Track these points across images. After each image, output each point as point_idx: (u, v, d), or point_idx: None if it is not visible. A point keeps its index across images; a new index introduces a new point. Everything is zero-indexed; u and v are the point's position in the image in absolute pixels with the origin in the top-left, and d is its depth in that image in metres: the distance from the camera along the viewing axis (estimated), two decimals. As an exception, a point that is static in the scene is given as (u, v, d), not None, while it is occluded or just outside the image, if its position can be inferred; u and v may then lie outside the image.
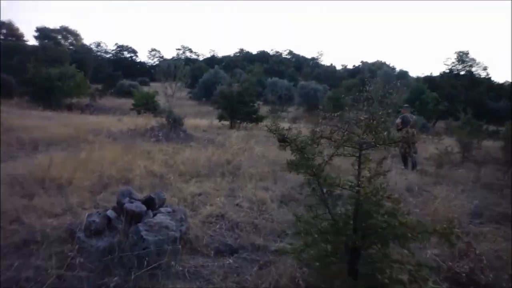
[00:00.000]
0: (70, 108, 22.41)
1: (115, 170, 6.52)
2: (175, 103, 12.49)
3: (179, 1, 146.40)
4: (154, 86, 47.32)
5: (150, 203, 3.71)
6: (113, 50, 71.07)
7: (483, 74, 43.94)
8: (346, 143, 2.71)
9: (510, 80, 46.04)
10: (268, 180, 6.59)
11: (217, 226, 4.30)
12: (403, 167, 9.26)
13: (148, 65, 79.11)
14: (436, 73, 34.54)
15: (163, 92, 12.57)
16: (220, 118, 15.50)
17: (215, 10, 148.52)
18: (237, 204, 5.15)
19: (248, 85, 15.46)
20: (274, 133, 2.82)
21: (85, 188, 5.46)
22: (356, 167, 2.79)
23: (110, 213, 3.51)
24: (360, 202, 2.68)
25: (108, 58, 65.38)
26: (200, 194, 5.42)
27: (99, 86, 38.55)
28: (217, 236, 4.02)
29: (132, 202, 3.56)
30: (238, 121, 15.18)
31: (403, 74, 17.79)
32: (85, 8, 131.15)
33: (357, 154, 2.76)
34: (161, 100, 28.86)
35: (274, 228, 4.31)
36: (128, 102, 31.28)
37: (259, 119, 15.53)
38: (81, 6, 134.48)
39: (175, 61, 13.80)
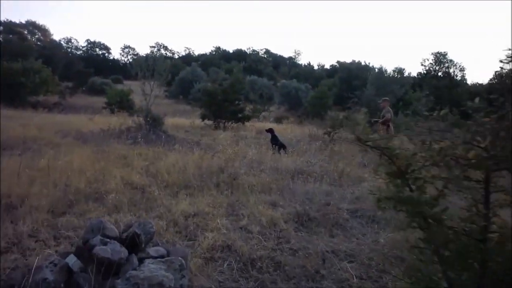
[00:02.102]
0: (35, 106, 20.51)
1: (84, 182, 5.26)
2: (152, 101, 11.16)
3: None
4: (128, 84, 45.44)
5: (133, 243, 2.53)
6: (84, 47, 68.18)
7: (460, 75, 44.46)
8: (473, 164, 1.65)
9: (485, 81, 46.61)
10: (273, 193, 5.48)
11: (226, 265, 3.15)
12: None
13: (121, 63, 76.44)
14: (411, 73, 34.30)
15: (141, 89, 11.20)
16: (203, 117, 14.26)
17: (191, 7, 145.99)
18: (243, 228, 4.01)
19: (233, 82, 14.30)
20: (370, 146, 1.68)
21: (43, 208, 4.19)
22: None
23: (72, 261, 2.30)
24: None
25: (79, 55, 62.48)
26: (194, 215, 4.24)
27: (70, 84, 36.26)
28: (229, 284, 2.87)
29: (105, 243, 2.37)
30: (223, 121, 13.99)
31: (399, 73, 17.30)
32: (54, 3, 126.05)
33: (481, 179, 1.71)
34: (136, 98, 27.29)
35: (303, 266, 3.20)
36: (100, 100, 29.39)
37: (245, 118, 14.38)
38: (50, 1, 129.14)
39: (154, 56, 12.53)
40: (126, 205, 4.44)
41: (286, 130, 13.44)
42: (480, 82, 52.66)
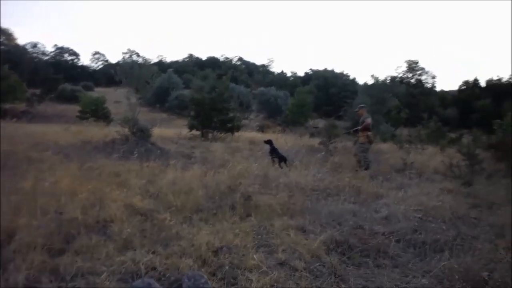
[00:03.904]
0: (3, 115, 19.08)
1: (78, 208, 4.50)
2: (138, 111, 10.39)
3: (124, 1, 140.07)
4: (100, 91, 43.92)
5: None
6: (51, 52, 65.46)
7: (431, 82, 45.80)
8: None
9: (455, 88, 48.22)
10: (297, 214, 4.91)
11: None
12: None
13: (91, 69, 74.09)
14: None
15: (125, 97, 10.41)
16: (191, 127, 13.52)
17: (163, 14, 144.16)
18: (285, 264, 3.42)
19: (222, 90, 13.65)
20: None
21: (35, 244, 3.44)
22: None
23: None
24: None
25: (46, 61, 59.90)
26: (222, 247, 3.61)
27: (37, 91, 34.46)
28: None
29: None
30: (211, 131, 13.31)
31: (392, 82, 17.20)
32: (20, 6, 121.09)
33: None
34: (110, 106, 26.12)
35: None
36: (72, 109, 28.03)
37: (235, 128, 13.76)
38: (14, 4, 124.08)
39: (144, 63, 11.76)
40: (137, 237, 3.75)
41: (278, 140, 12.93)
42: (449, 89, 54.61)
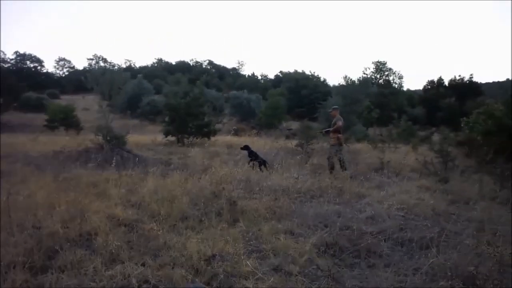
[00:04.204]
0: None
1: (58, 221, 4.30)
2: (112, 118, 10.11)
3: (88, 4, 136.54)
4: (66, 99, 42.57)
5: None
6: (12, 59, 62.77)
7: (398, 82, 47.17)
8: None
9: (421, 88, 49.92)
10: (284, 218, 4.90)
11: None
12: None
13: (56, 76, 71.74)
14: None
15: (97, 104, 10.11)
16: (167, 133, 13.27)
17: (129, 17, 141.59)
18: (279, 269, 3.38)
19: (197, 95, 13.46)
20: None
21: (15, 262, 3.25)
22: None
23: None
24: None
25: (7, 68, 57.43)
26: (214, 256, 3.52)
27: (0, 100, 32.94)
28: None
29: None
30: (187, 136, 13.10)
31: (364, 82, 17.55)
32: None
33: None
34: (79, 114, 25.32)
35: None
36: (38, 117, 26.92)
37: (211, 133, 13.61)
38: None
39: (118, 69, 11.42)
40: (124, 250, 3.61)
41: (255, 144, 12.91)
42: (415, 88, 56.44)
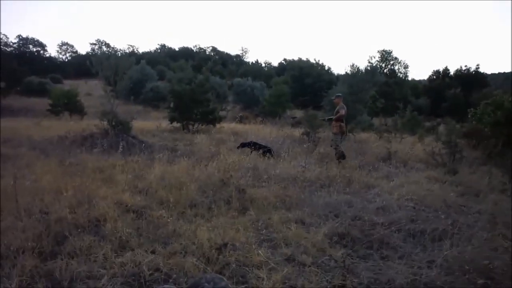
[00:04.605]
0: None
1: (65, 206, 4.25)
2: (117, 103, 10.00)
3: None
4: (69, 83, 42.36)
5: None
6: (15, 43, 62.34)
7: (403, 72, 46.70)
8: None
9: (426, 78, 49.47)
10: (293, 207, 4.83)
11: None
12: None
13: (59, 61, 71.41)
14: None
15: (103, 89, 10.00)
16: (172, 119, 13.16)
17: (133, 3, 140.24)
18: (291, 259, 3.32)
19: (202, 81, 13.32)
20: None
21: (24, 247, 3.19)
22: None
23: None
24: None
25: (10, 52, 57.06)
26: (226, 244, 3.46)
27: (1, 84, 32.78)
28: None
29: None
30: (192, 123, 13.00)
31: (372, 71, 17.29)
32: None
33: None
34: (82, 99, 25.17)
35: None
36: (41, 102, 26.84)
37: (217, 119, 13.51)
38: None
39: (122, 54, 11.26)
40: (133, 236, 3.55)
41: (260, 131, 12.81)
42: (421, 78, 56.03)
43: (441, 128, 17.99)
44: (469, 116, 13.99)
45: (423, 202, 5.46)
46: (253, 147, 8.66)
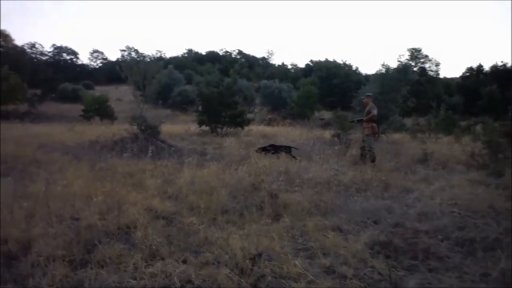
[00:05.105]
0: (7, 116, 18.70)
1: (95, 212, 4.18)
2: (146, 108, 10.04)
3: (120, 1, 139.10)
4: (100, 89, 43.55)
5: None
6: (50, 52, 64.87)
7: (434, 70, 45.17)
8: None
9: (458, 75, 47.73)
10: (329, 213, 4.59)
11: None
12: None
13: (91, 68, 73.65)
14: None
15: (132, 94, 10.08)
16: (201, 123, 13.16)
17: (159, 9, 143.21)
18: (331, 270, 3.09)
19: (230, 84, 13.26)
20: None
21: (54, 255, 3.12)
22: None
23: None
24: None
25: (45, 61, 59.38)
26: (260, 254, 3.27)
27: (38, 91, 34.06)
28: None
29: None
30: (220, 126, 12.95)
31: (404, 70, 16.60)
32: (14, 8, 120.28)
33: None
34: (112, 104, 25.76)
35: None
36: (73, 108, 27.69)
37: (245, 122, 13.40)
38: (8, 5, 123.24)
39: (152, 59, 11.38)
40: (164, 245, 3.43)
41: (290, 134, 12.59)
42: (452, 76, 54.10)
43: (478, 127, 17.16)
44: (509, 113, 13.23)
45: (469, 208, 5.08)
46: (272, 150, 8.46)
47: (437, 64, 44.58)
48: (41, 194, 4.43)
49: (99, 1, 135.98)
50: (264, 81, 36.52)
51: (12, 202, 4.07)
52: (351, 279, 2.94)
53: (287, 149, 8.45)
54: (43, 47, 64.18)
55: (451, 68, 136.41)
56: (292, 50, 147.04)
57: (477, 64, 45.53)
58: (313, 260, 3.29)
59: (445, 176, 7.26)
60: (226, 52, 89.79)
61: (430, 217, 4.60)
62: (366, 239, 3.71)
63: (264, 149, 8.59)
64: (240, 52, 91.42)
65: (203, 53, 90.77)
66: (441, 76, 47.82)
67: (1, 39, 55.58)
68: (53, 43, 79.32)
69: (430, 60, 44.43)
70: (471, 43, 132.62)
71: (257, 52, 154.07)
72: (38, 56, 61.34)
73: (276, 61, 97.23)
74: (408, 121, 27.07)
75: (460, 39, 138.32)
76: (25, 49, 58.19)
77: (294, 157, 8.07)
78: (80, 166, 6.56)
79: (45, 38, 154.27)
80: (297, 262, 3.10)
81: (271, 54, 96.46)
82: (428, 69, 44.31)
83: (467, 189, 6.15)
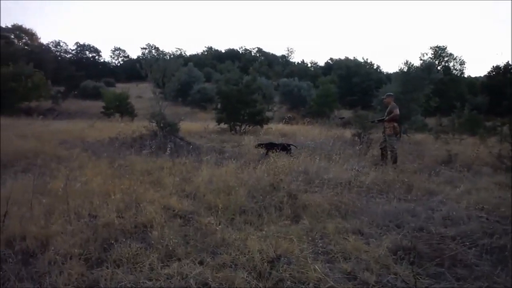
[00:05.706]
0: (29, 113, 19.14)
1: (113, 210, 4.16)
2: (165, 105, 10.05)
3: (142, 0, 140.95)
4: (121, 87, 44.18)
5: None
6: (73, 50, 66.23)
7: (459, 69, 43.92)
8: None
9: (482, 75, 46.25)
10: (350, 215, 4.45)
11: None
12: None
13: (112, 65, 74.79)
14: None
15: (152, 92, 10.11)
16: (220, 121, 13.13)
17: (180, 7, 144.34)
18: (352, 276, 2.97)
19: (249, 82, 13.19)
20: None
21: (71, 253, 3.10)
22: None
23: None
24: None
25: (69, 58, 60.67)
26: (279, 257, 3.18)
27: (61, 88, 34.79)
28: None
29: None
30: (239, 124, 12.88)
31: (428, 68, 16.12)
32: (40, 7, 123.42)
33: None
34: (133, 101, 26.07)
35: None
36: (94, 105, 28.15)
37: (264, 121, 13.30)
38: (35, 5, 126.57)
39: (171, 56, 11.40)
40: (181, 245, 3.36)
41: (309, 132, 12.41)
42: (477, 75, 52.52)
43: (505, 128, 16.56)
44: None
45: (497, 212, 4.86)
46: (269, 148, 8.39)
47: (462, 63, 43.33)
48: (61, 191, 4.44)
49: (121, 0, 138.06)
50: (283, 79, 36.28)
51: (31, 198, 4.09)
52: (374, 286, 2.82)
53: (287, 147, 8.35)
54: (67, 45, 65.68)
55: (475, 67, 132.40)
56: (312, 48, 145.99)
57: (504, 62, 43.98)
58: (334, 265, 3.17)
59: (471, 178, 6.99)
60: (246, 50, 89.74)
61: (456, 221, 4.41)
62: (389, 244, 3.56)
63: (263, 146, 8.64)
64: (259, 50, 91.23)
65: (223, 51, 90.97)
66: (466, 75, 46.49)
67: (27, 38, 57.29)
68: (76, 41, 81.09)
69: (454, 59, 43.22)
70: (497, 42, 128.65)
71: (277, 50, 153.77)
72: (62, 54, 62.72)
73: (295, 59, 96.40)
74: (430, 121, 26.45)
75: (486, 37, 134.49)
76: (50, 47, 59.69)
77: (290, 154, 7.95)
78: (99, 163, 6.60)
79: (69, 36, 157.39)
80: (317, 267, 2.99)
81: (291, 52, 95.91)
82: (452, 68, 43.12)
83: (495, 192, 5.90)
